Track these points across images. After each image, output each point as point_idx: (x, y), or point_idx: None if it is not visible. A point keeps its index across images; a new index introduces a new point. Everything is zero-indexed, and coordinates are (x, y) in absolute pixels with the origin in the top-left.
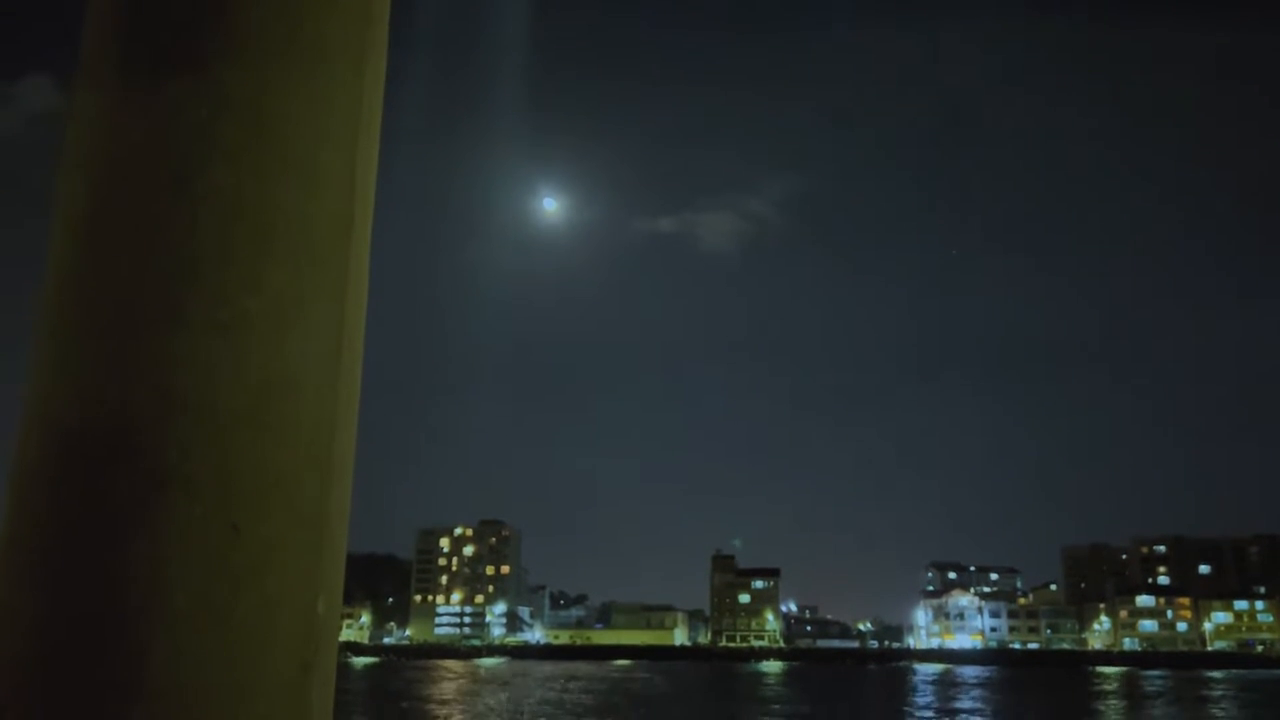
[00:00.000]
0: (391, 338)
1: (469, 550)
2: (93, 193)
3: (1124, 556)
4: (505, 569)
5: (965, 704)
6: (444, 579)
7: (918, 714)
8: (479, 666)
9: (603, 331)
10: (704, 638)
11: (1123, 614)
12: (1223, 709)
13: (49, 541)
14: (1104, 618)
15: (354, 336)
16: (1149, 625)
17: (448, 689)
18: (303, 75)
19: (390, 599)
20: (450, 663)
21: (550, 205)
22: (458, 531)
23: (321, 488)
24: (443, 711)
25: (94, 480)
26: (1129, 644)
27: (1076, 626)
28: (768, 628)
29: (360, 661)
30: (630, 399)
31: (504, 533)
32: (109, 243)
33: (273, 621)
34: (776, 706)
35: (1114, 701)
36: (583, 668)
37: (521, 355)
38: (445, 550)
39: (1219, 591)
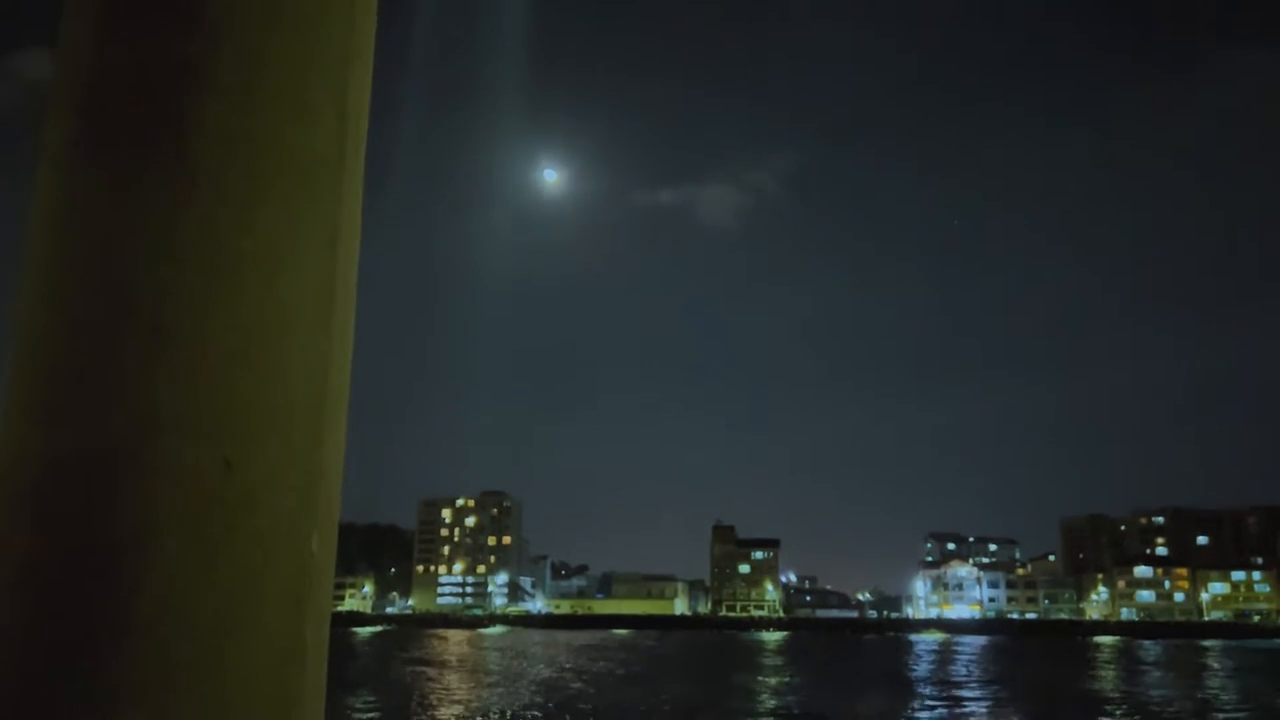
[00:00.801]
0: (392, 310)
1: (471, 521)
2: (82, 129)
3: (1122, 528)
4: (507, 539)
5: (963, 672)
6: (446, 549)
7: (916, 682)
8: (481, 635)
9: (604, 303)
10: (704, 607)
11: (1120, 584)
12: (1217, 678)
13: (39, 478)
14: (1101, 588)
15: (347, 275)
16: (1146, 595)
17: (452, 656)
18: (292, 8)
19: (393, 569)
20: (453, 632)
21: (551, 176)
22: (459, 502)
23: (314, 427)
24: (450, 678)
25: (85, 416)
26: (1126, 614)
27: (1074, 597)
28: (767, 598)
29: (364, 631)
30: (631, 371)
31: (505, 504)
32: (98, 178)
33: (266, 558)
34: (775, 673)
35: (1110, 670)
36: (584, 636)
37: (522, 327)
38: (447, 521)
39: (1217, 562)
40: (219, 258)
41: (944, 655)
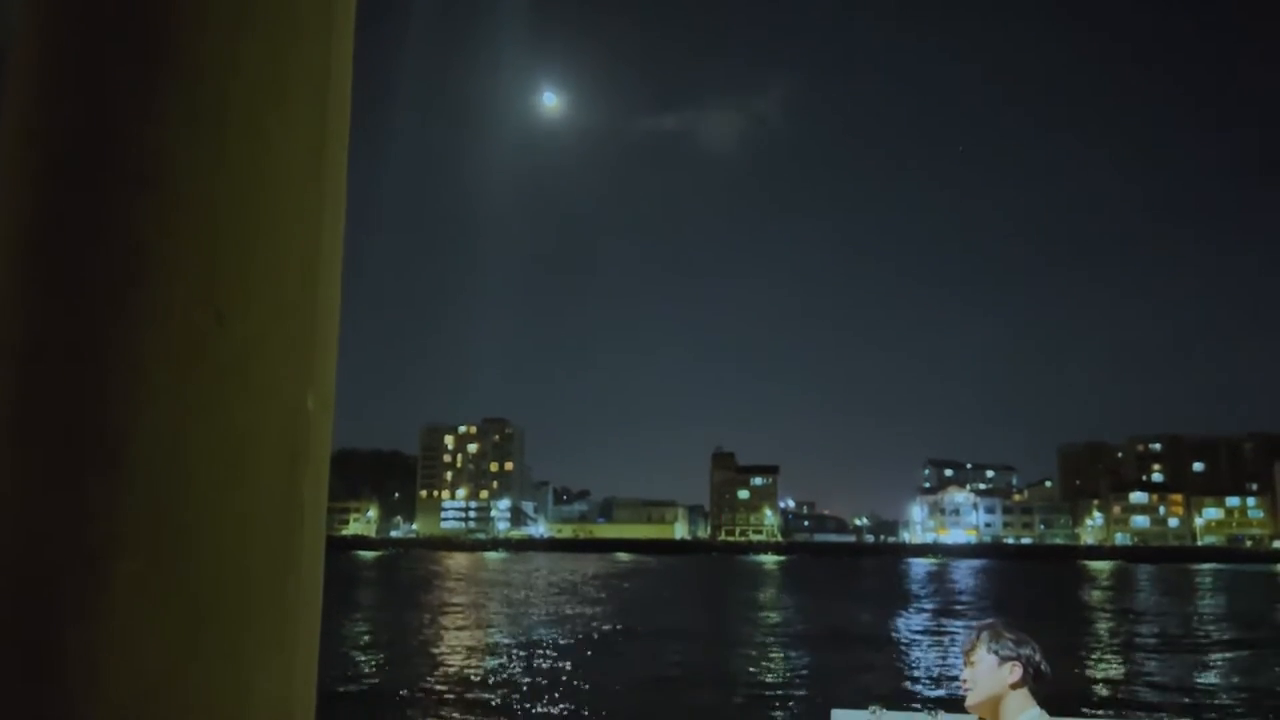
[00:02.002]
0: (393, 236)
1: (473, 448)
2: None
3: (1119, 455)
4: (509, 466)
5: (956, 593)
6: (449, 475)
7: (910, 601)
8: (484, 559)
9: (605, 231)
10: (704, 532)
11: (1116, 510)
12: (1207, 600)
13: (22, 323)
14: (1097, 514)
15: (338, 126)
16: (1141, 521)
17: (455, 578)
18: None
19: (396, 494)
20: (457, 555)
21: (551, 100)
22: (461, 429)
23: (308, 284)
24: (454, 599)
25: (69, 257)
26: (1121, 539)
27: (1070, 522)
28: (766, 523)
29: (369, 554)
30: (632, 298)
31: (507, 430)
32: (78, 29)
33: (261, 414)
34: (775, 593)
35: (1101, 592)
36: (586, 560)
37: (523, 254)
38: (450, 448)
39: (1212, 489)
40: (205, 102)
41: (939, 577)
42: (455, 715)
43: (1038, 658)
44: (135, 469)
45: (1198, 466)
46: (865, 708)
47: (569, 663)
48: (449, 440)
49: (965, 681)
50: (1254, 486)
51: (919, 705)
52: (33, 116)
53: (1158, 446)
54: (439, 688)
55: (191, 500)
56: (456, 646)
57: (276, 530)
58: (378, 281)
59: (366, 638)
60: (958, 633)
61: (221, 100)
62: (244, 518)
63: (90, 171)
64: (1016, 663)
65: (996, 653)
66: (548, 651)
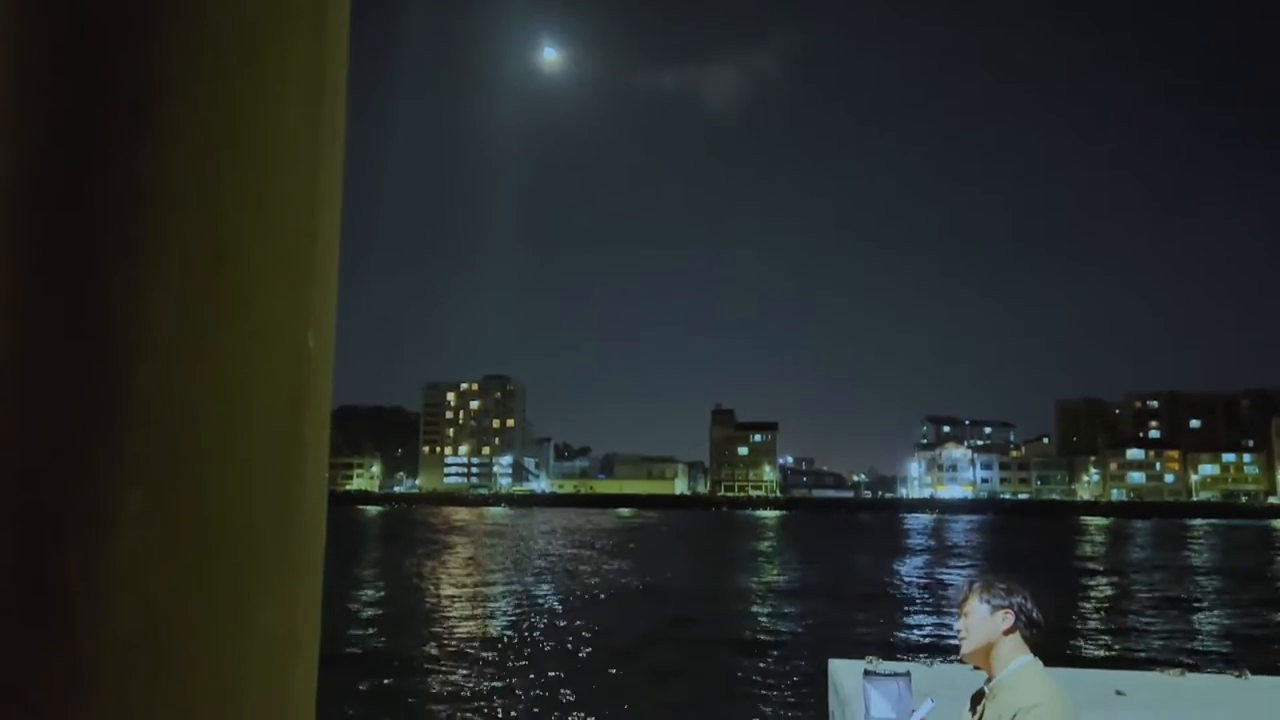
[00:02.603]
0: (395, 194)
1: (475, 404)
2: None
3: (1117, 411)
4: (510, 422)
5: (952, 547)
6: (451, 431)
7: (906, 555)
8: (486, 514)
9: (605, 188)
10: (703, 487)
11: (1112, 466)
12: (1201, 555)
13: (23, 264)
14: (1093, 470)
15: (336, 58)
16: (1137, 477)
17: (458, 532)
18: None
19: (399, 450)
20: (459, 510)
21: (551, 54)
22: (464, 386)
23: (307, 218)
24: (457, 552)
25: (67, 197)
26: (1117, 495)
27: (1067, 478)
28: (765, 478)
29: (372, 509)
30: (632, 255)
31: (508, 387)
32: None
33: (261, 352)
34: (772, 547)
35: (1095, 546)
36: (587, 515)
37: (525, 211)
38: (452, 404)
39: (1209, 445)
40: (203, 35)
41: (935, 532)
42: (458, 669)
43: (1029, 606)
44: (138, 406)
45: (1194, 423)
46: (861, 658)
47: (570, 616)
48: (451, 397)
49: (959, 631)
50: (1250, 443)
51: (915, 656)
52: (27, 50)
53: (1155, 403)
54: (443, 640)
55: (195, 436)
56: (460, 600)
57: (279, 466)
58: (380, 240)
59: (372, 589)
60: (953, 585)
61: (219, 34)
62: (247, 453)
63: (87, 108)
64: (1009, 610)
65: (988, 602)
66: (550, 604)
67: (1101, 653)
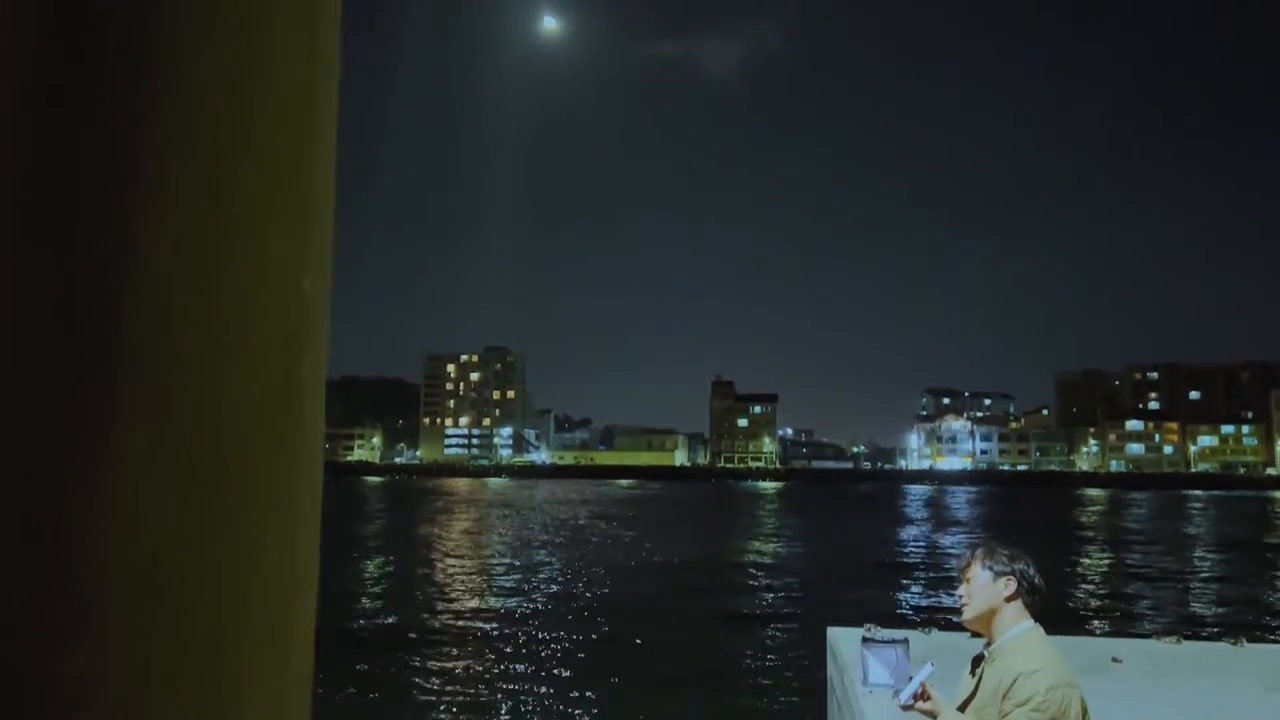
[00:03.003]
0: (394, 164)
1: (475, 376)
2: None
3: (1117, 383)
4: (510, 393)
5: (951, 517)
6: (452, 403)
7: (905, 525)
8: (487, 484)
9: (605, 158)
10: (703, 459)
11: (1111, 437)
12: (1198, 525)
13: (13, 202)
14: (1092, 441)
15: (330, 6)
16: (1136, 448)
17: (459, 503)
18: None
19: (400, 421)
20: (460, 481)
21: (550, 23)
22: (464, 358)
23: (301, 160)
24: (458, 523)
25: (59, 135)
26: (1116, 466)
27: (1066, 450)
28: (765, 450)
29: (374, 480)
30: (632, 225)
31: (508, 359)
32: None
33: (256, 294)
34: (772, 517)
35: (1093, 516)
36: (588, 486)
37: (525, 182)
38: (452, 375)
39: (1208, 416)
40: None
41: (932, 503)
42: (457, 638)
43: (1031, 572)
44: (130, 345)
45: (1194, 395)
46: (860, 626)
47: (571, 585)
48: (451, 368)
49: (961, 598)
50: (1249, 414)
51: (913, 625)
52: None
53: (1155, 375)
54: (443, 610)
55: (188, 376)
56: (461, 570)
57: (275, 408)
58: (380, 211)
59: (376, 558)
60: (952, 554)
61: None
62: (241, 394)
63: (81, 48)
64: (1011, 577)
65: (991, 568)
66: (550, 573)
67: (1098, 621)
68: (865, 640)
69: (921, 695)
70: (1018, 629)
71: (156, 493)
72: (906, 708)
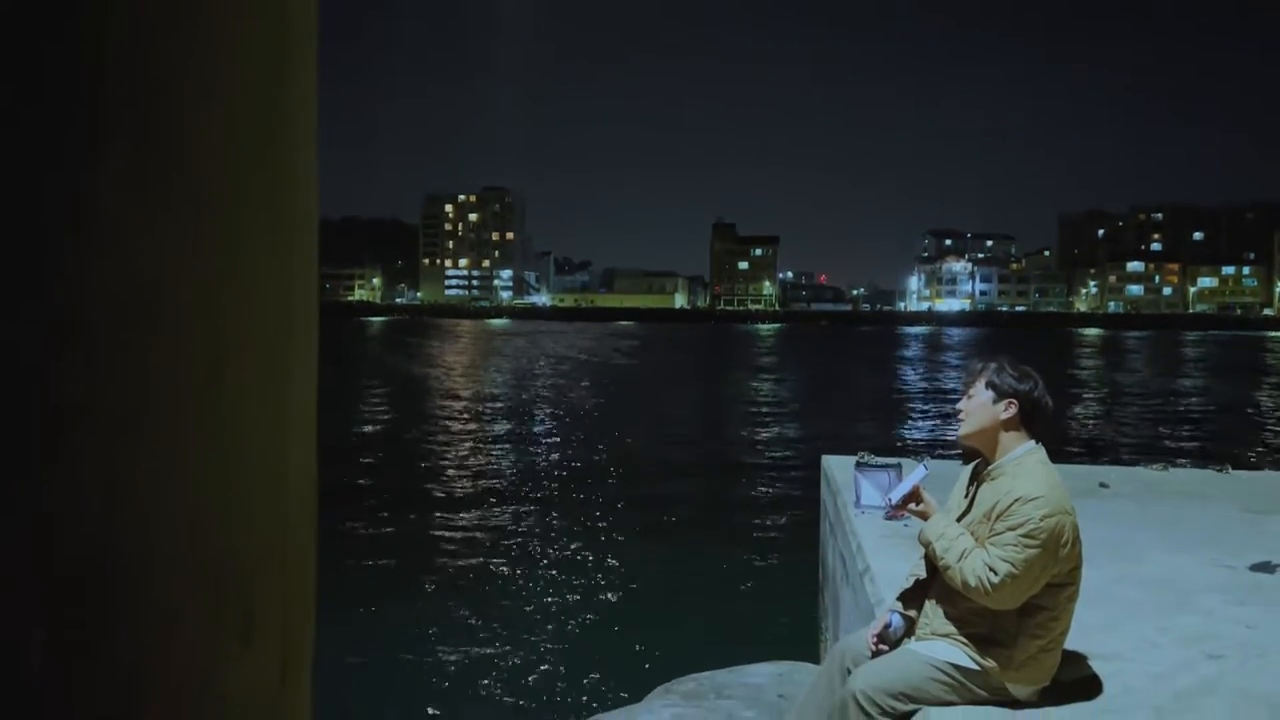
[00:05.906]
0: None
1: (474, 216)
2: None
3: (1120, 223)
4: (510, 235)
5: (941, 356)
6: (451, 244)
7: (898, 363)
8: (488, 326)
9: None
10: (703, 302)
11: (1111, 279)
12: (1191, 363)
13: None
14: (1091, 282)
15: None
16: (1135, 289)
17: (462, 344)
18: None
19: (399, 262)
20: (461, 322)
21: None
22: (461, 198)
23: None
24: (462, 362)
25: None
26: (1114, 307)
27: (1065, 291)
28: (765, 293)
29: (375, 320)
30: (632, 65)
31: (507, 200)
32: None
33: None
34: (770, 358)
35: (1084, 356)
36: (589, 328)
37: (525, 24)
38: (450, 216)
39: (1210, 258)
40: None
41: (925, 342)
42: (456, 490)
43: (1036, 393)
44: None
45: (1197, 235)
46: (854, 454)
47: (573, 427)
48: (449, 209)
49: (961, 413)
50: (1251, 255)
51: (907, 454)
52: None
53: (1159, 215)
54: (447, 452)
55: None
56: (462, 412)
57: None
58: (378, 49)
59: (378, 401)
60: (941, 390)
61: None
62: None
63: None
64: (1013, 400)
65: (995, 387)
66: (555, 411)
67: (1086, 451)
68: (859, 465)
69: (913, 496)
70: (1021, 449)
71: (148, 213)
72: (896, 509)
